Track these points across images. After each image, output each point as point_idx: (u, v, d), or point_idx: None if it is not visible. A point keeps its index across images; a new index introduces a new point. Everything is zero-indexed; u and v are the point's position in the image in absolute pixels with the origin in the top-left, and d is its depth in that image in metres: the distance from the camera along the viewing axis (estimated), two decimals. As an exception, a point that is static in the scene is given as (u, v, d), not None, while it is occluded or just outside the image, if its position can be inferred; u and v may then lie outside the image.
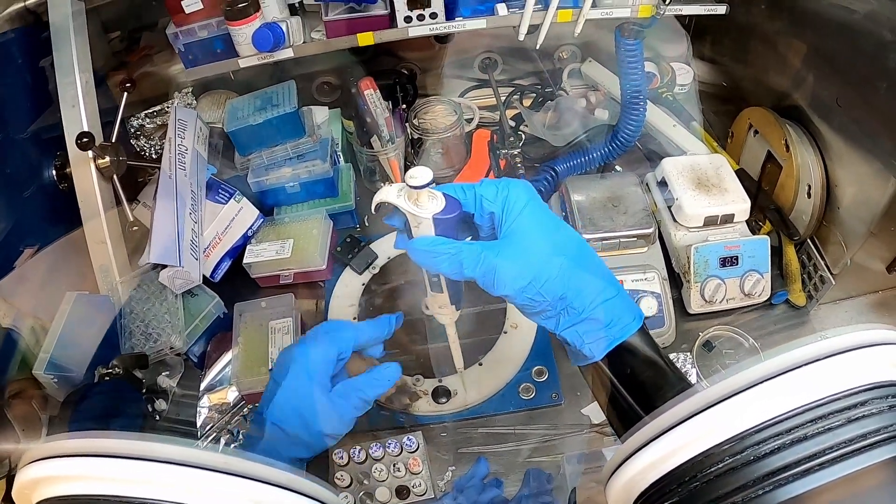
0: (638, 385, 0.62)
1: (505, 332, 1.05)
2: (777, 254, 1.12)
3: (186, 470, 0.42)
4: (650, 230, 1.05)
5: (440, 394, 0.98)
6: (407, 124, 1.25)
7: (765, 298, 1.08)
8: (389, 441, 0.93)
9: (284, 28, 1.07)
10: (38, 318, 1.01)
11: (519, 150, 1.20)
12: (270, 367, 0.99)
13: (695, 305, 1.07)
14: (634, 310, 0.64)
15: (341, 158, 1.26)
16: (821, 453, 0.38)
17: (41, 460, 0.42)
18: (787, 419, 0.39)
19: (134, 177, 1.22)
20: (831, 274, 1.05)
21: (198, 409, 1.03)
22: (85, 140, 1.01)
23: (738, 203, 1.07)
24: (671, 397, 0.55)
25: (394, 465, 0.91)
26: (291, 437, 0.73)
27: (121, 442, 0.42)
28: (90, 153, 1.04)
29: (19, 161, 1.08)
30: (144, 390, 1.02)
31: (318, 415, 0.73)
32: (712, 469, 0.40)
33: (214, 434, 1.00)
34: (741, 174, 1.15)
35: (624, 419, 0.64)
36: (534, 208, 0.64)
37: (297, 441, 0.73)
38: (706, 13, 1.12)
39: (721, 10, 1.12)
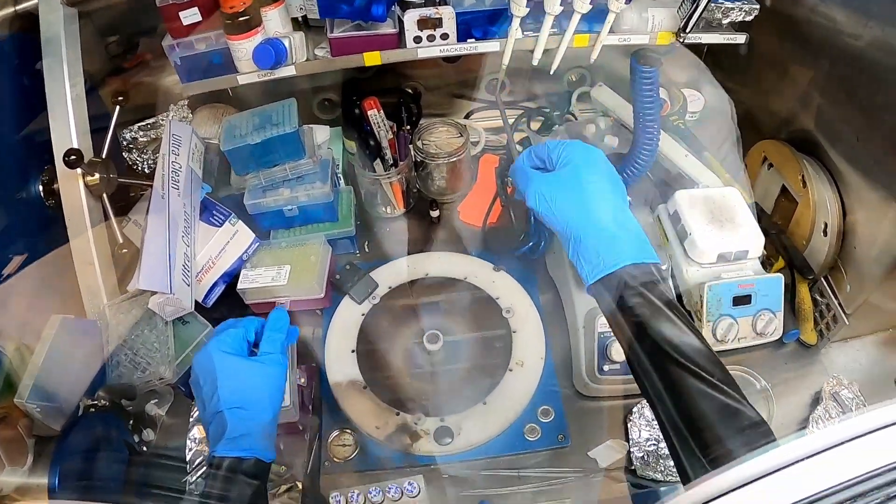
0: (634, 316, 0.69)
1: (510, 370, 1.01)
2: (789, 290, 1.09)
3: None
4: (663, 267, 1.01)
5: (443, 434, 0.94)
6: (411, 146, 1.21)
7: (776, 337, 1.05)
8: (389, 485, 0.89)
9: (287, 44, 1.03)
10: (23, 338, 0.97)
11: (527, 178, 1.16)
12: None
13: (706, 344, 1.03)
14: (643, 250, 0.73)
15: (342, 181, 1.21)
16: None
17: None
18: (826, 497, 0.39)
19: (126, 191, 1.16)
20: (845, 314, 1.02)
21: (187, 440, 0.98)
22: (73, 158, 0.97)
23: (753, 239, 1.04)
24: (664, 328, 0.66)
25: (394, 512, 0.87)
26: (252, 411, 0.75)
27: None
28: (79, 170, 0.99)
29: (11, 166, 1.03)
30: (132, 420, 0.98)
31: (259, 376, 0.77)
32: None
33: (203, 470, 0.96)
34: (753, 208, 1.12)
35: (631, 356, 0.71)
36: (581, 161, 0.80)
37: (259, 409, 0.76)
38: (726, 41, 1.09)
39: (741, 38, 1.09)
